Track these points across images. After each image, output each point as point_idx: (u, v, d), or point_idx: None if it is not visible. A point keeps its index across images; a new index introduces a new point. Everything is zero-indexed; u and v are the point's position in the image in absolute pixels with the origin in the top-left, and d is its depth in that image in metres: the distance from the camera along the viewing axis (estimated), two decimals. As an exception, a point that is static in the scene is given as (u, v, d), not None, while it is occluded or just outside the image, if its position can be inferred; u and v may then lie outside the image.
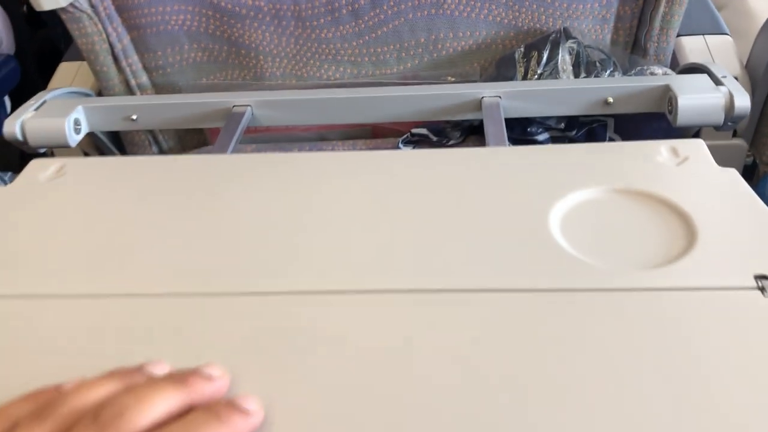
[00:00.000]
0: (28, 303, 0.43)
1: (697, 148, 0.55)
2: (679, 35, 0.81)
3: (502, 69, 0.75)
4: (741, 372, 0.34)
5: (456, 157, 0.56)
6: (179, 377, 0.33)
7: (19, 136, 0.71)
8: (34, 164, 0.59)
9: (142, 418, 0.30)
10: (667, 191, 0.49)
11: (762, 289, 0.40)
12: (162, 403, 0.31)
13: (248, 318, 0.40)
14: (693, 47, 0.81)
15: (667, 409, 0.32)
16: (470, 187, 0.51)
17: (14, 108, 1.01)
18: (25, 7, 1.39)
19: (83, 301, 0.43)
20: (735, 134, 0.81)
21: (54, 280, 0.45)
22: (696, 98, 0.65)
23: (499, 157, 0.56)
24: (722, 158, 0.55)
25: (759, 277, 0.40)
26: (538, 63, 0.72)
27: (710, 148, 0.55)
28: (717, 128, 0.67)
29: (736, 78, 0.74)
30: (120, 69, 0.82)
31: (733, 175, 0.51)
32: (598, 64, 0.73)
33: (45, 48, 1.42)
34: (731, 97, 0.65)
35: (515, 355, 0.36)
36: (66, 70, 0.89)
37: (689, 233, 0.45)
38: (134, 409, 0.30)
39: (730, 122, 0.66)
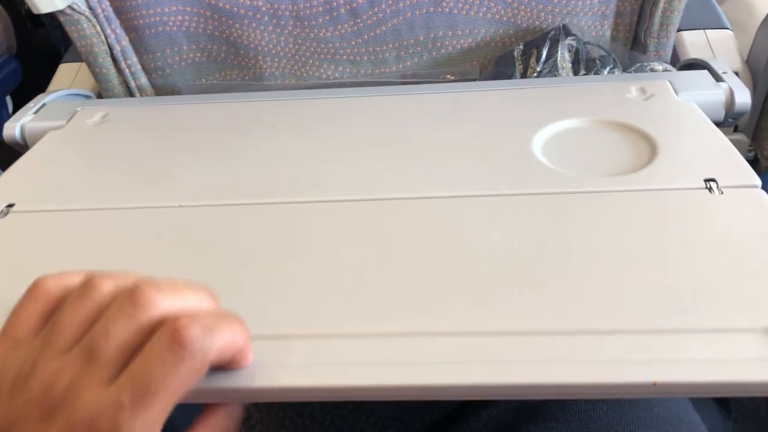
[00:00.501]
0: (79, 215, 0.53)
1: (663, 86, 0.65)
2: (679, 30, 0.80)
3: (501, 67, 0.74)
4: (692, 251, 0.43)
5: (453, 96, 0.67)
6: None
7: (19, 139, 0.71)
8: (83, 112, 0.70)
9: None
10: (634, 120, 0.59)
11: (710, 189, 0.49)
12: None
13: (269, 221, 0.50)
14: (694, 42, 0.81)
15: (629, 282, 0.40)
16: (464, 120, 0.62)
17: (16, 107, 1.01)
18: (25, 7, 1.39)
19: (129, 212, 0.52)
20: (736, 129, 0.80)
21: (104, 197, 0.55)
22: (696, 95, 0.65)
23: (488, 94, 0.67)
24: None
25: (708, 180, 0.50)
26: (538, 60, 0.72)
27: None
28: (718, 124, 0.67)
29: (736, 73, 0.74)
30: (119, 70, 0.82)
31: (692, 106, 0.61)
32: (597, 61, 0.72)
33: (46, 47, 1.42)
34: (731, 93, 0.64)
35: (501, 244, 0.45)
36: (66, 71, 0.90)
37: (651, 150, 0.55)
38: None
39: (731, 118, 0.65)
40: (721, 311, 0.38)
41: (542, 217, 0.47)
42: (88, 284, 0.33)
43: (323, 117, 0.65)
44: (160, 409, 0.29)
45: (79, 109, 0.71)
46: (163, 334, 0.30)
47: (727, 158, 0.53)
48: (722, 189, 0.48)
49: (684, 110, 0.61)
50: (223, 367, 0.34)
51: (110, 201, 0.54)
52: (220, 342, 0.31)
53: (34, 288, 0.34)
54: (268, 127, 0.64)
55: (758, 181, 0.49)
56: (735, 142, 0.81)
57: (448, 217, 0.48)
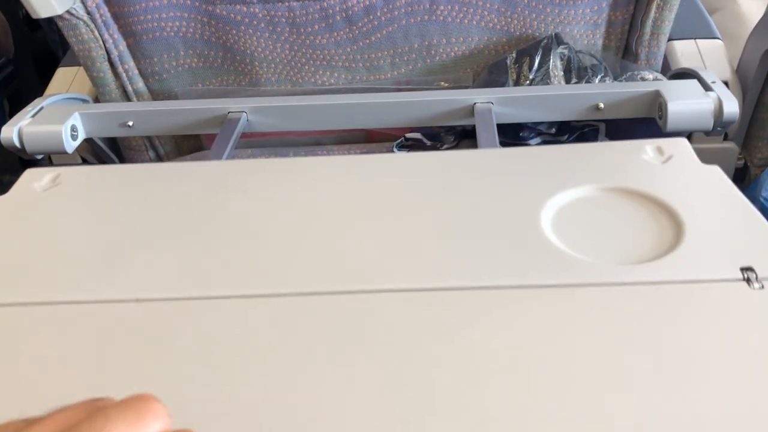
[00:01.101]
0: (26, 311, 0.44)
1: (681, 146, 0.57)
2: (670, 39, 0.81)
3: (494, 74, 0.75)
4: (728, 361, 0.35)
5: (448, 160, 0.58)
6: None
7: (17, 143, 0.72)
8: (29, 174, 0.60)
9: None
10: (654, 188, 0.51)
11: (748, 281, 0.41)
12: None
13: (243, 320, 0.41)
14: (684, 51, 0.82)
15: (656, 398, 0.33)
16: (462, 189, 0.53)
17: (12, 110, 1.02)
18: (23, 10, 1.40)
19: (80, 307, 0.44)
20: (726, 137, 0.81)
21: (51, 289, 0.46)
22: (685, 104, 0.66)
23: (490, 159, 0.58)
24: (713, 161, 0.56)
25: (745, 269, 0.42)
26: (530, 68, 0.73)
27: (702, 151, 0.57)
28: (706, 133, 0.68)
29: (726, 82, 0.75)
30: (116, 75, 0.82)
31: (716, 172, 0.53)
32: (589, 69, 0.73)
33: (44, 50, 1.43)
34: (720, 102, 0.65)
35: (509, 349, 0.37)
36: (63, 75, 0.90)
37: (676, 228, 0.47)
38: None
39: (719, 127, 0.66)
40: None
41: (555, 318, 0.39)
42: None
43: (302, 180, 0.56)
44: None
45: (27, 171, 0.61)
46: None
47: (765, 241, 0.45)
48: (762, 281, 0.41)
49: (708, 177, 0.53)
50: None
51: (56, 293, 0.45)
52: None
53: None
54: (239, 192, 0.55)
55: None
56: (725, 151, 0.83)
57: (443, 316, 0.40)
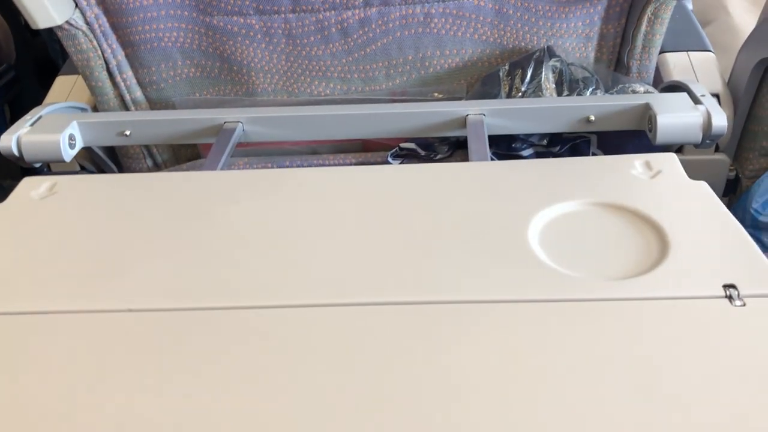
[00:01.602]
0: (20, 320, 0.44)
1: (670, 161, 0.58)
2: (663, 51, 0.82)
3: (487, 86, 0.76)
4: (709, 377, 0.36)
5: (440, 173, 0.59)
6: None
7: (15, 152, 0.72)
8: (27, 182, 0.61)
9: None
10: (641, 204, 0.52)
11: (729, 298, 0.42)
12: None
13: (234, 330, 0.42)
14: (676, 63, 0.83)
15: (638, 412, 0.34)
16: (453, 201, 0.54)
17: (13, 116, 1.03)
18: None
19: (75, 316, 0.44)
20: (717, 149, 0.82)
21: (44, 299, 0.46)
22: (674, 117, 0.66)
23: (481, 172, 0.59)
24: (705, 173, 0.57)
25: (727, 286, 0.43)
26: (522, 81, 0.74)
27: (693, 163, 0.57)
28: (696, 146, 0.69)
29: (717, 95, 0.76)
30: (115, 84, 0.83)
31: (704, 188, 0.54)
32: (581, 81, 0.74)
33: (44, 58, 1.44)
34: (709, 116, 0.66)
35: (495, 362, 0.38)
36: (62, 83, 0.91)
37: (662, 244, 0.48)
38: None
39: (708, 140, 0.67)
40: None
41: (539, 332, 0.40)
42: None
43: (294, 191, 0.57)
44: None
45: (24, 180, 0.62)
46: None
47: (749, 258, 0.46)
48: (744, 298, 0.42)
49: (696, 194, 0.54)
50: None
51: (49, 303, 0.46)
52: None
53: None
54: (232, 204, 0.56)
55: None
56: (716, 162, 0.83)
57: (430, 330, 0.41)
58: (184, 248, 0.51)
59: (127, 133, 0.76)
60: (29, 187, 0.60)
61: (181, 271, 0.48)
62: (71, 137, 0.74)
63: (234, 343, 0.41)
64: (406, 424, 0.35)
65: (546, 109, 0.71)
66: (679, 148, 0.79)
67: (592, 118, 0.70)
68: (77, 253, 0.51)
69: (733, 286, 0.43)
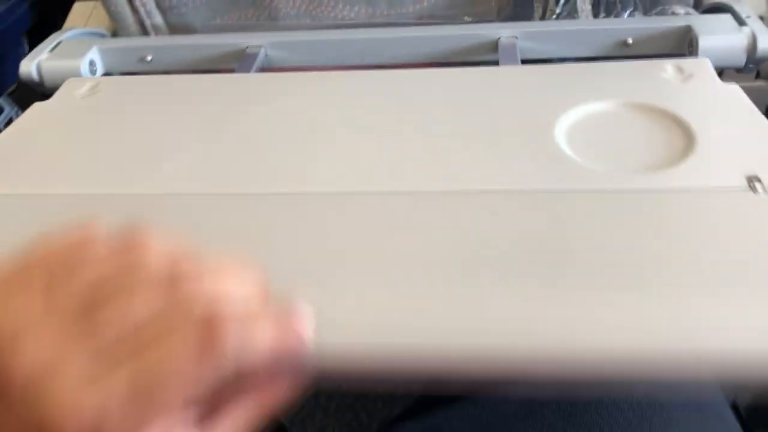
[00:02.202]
0: (61, 200, 0.48)
1: (702, 66, 0.58)
2: (705, -29, 0.78)
3: (519, 8, 0.73)
4: (731, 263, 0.37)
5: (467, 74, 0.61)
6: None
7: (36, 77, 0.72)
8: (70, 83, 0.66)
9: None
10: (670, 104, 0.52)
11: (753, 189, 0.43)
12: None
13: (264, 214, 0.45)
14: None
15: (659, 297, 0.35)
16: (480, 101, 0.56)
17: (31, 45, 1.01)
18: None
19: (112, 197, 0.48)
20: (758, 75, 0.79)
21: (85, 182, 0.50)
22: (717, 39, 0.63)
23: (509, 74, 0.61)
24: None
25: (750, 178, 0.43)
26: (557, 2, 0.71)
27: None
28: (738, 70, 0.66)
29: (762, 17, 0.72)
30: (134, 9, 0.81)
31: (735, 90, 0.54)
32: (618, 3, 0.71)
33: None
34: (754, 37, 0.63)
35: (516, 249, 0.39)
36: (80, 10, 0.89)
37: (688, 141, 0.48)
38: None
39: (752, 64, 0.64)
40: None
41: (564, 218, 0.41)
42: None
43: (326, 94, 0.59)
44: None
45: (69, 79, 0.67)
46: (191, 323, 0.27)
47: None
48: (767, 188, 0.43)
49: (726, 95, 0.54)
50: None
51: (89, 185, 0.50)
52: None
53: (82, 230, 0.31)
54: (267, 104, 0.58)
55: None
56: (757, 89, 0.80)
57: (455, 215, 0.43)
58: (222, 140, 0.54)
59: (149, 58, 0.74)
60: (73, 87, 0.64)
61: (217, 160, 0.51)
62: (92, 63, 0.73)
63: (266, 225, 0.43)
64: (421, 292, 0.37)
65: (581, 32, 0.68)
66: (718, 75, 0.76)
67: (630, 41, 0.67)
68: (116, 146, 0.55)
69: (757, 178, 0.43)
